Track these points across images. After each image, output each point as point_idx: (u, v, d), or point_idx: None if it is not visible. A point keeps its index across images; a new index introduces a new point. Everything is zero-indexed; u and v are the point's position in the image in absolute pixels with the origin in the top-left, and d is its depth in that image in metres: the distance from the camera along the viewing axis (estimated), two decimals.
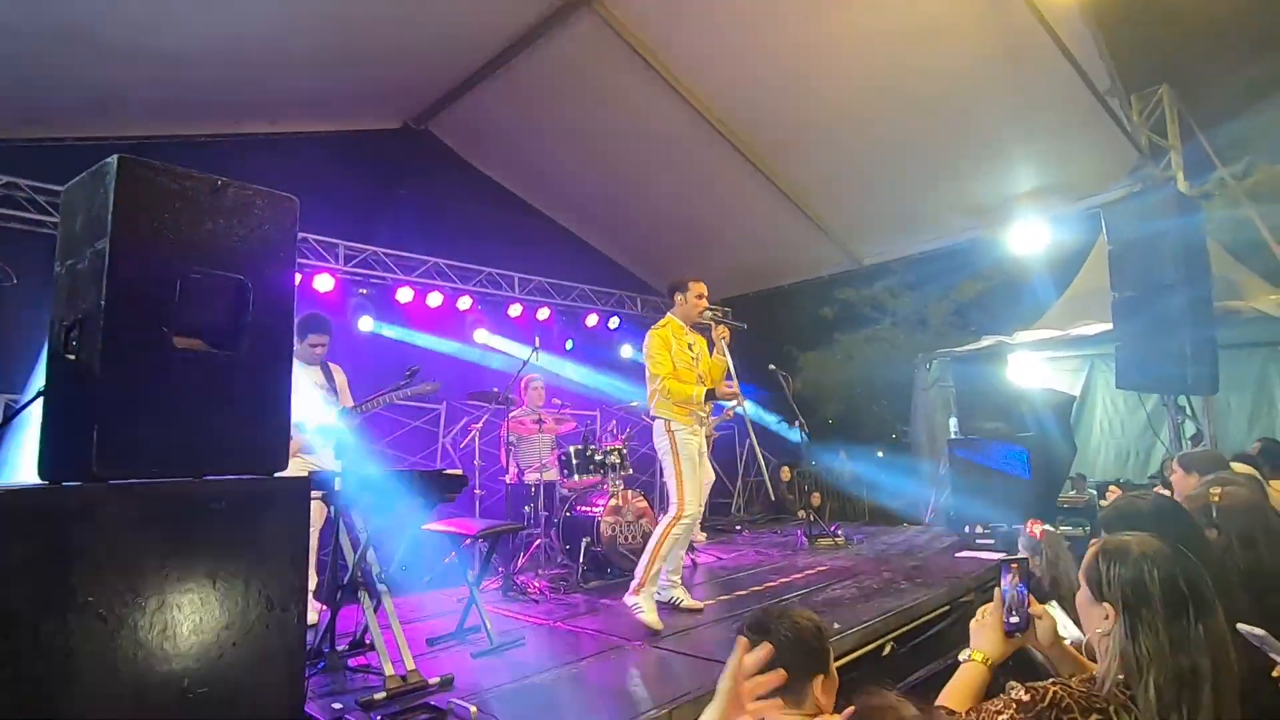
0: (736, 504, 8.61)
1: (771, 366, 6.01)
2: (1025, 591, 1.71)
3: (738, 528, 7.22)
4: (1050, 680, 1.25)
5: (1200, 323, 5.07)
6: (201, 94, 5.04)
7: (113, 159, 1.70)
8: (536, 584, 4.46)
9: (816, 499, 9.15)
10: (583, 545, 4.71)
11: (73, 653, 1.51)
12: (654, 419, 3.94)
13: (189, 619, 1.70)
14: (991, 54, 4.83)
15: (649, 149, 6.58)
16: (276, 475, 1.91)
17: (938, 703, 1.56)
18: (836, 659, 3.35)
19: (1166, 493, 2.94)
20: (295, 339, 3.96)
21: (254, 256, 1.88)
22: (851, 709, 0.94)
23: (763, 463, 4.66)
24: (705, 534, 6.61)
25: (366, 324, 6.11)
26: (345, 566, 3.06)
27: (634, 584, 3.70)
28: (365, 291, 6.23)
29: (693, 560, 5.37)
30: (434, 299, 6.48)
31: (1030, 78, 4.99)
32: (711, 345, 4.10)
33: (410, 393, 3.75)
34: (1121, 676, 1.20)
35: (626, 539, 4.84)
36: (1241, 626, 1.61)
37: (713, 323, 4.05)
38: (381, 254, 6.26)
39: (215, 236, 1.83)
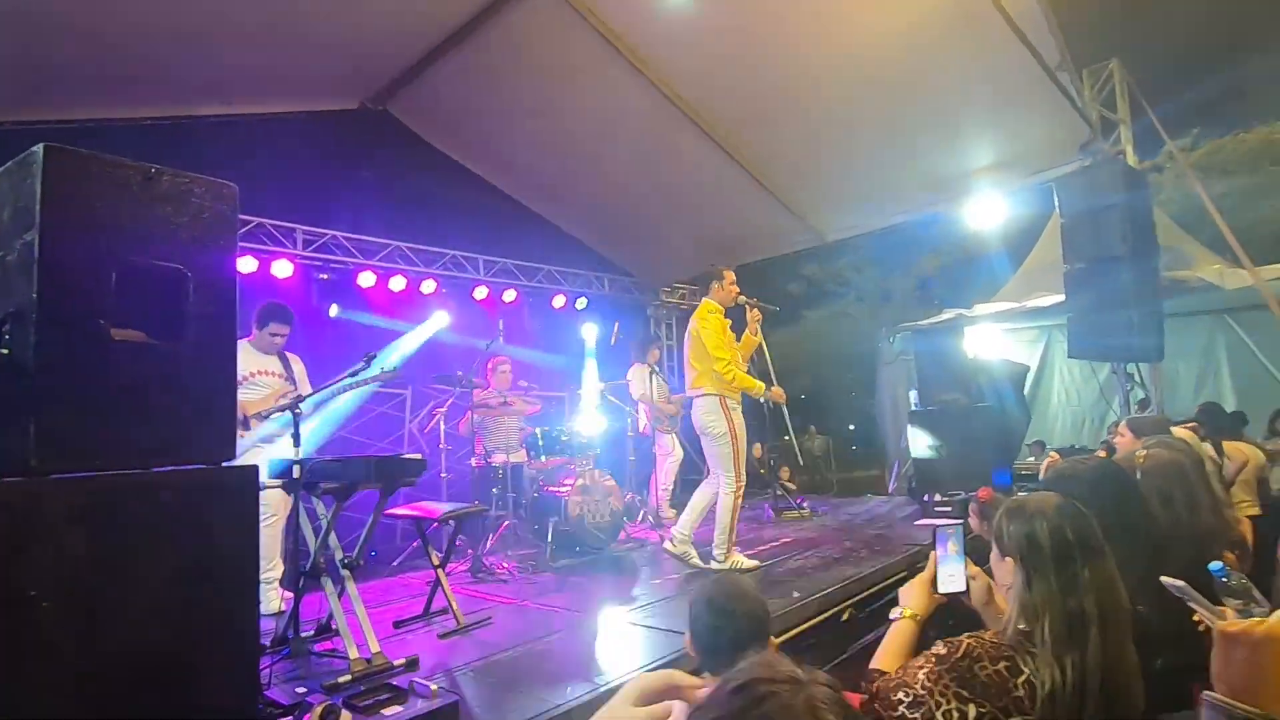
0: None
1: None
2: (962, 556, 1.80)
3: None
4: (966, 634, 1.33)
5: (1147, 293, 5.24)
6: (143, 74, 4.87)
7: (39, 147, 1.67)
8: (505, 565, 4.51)
9: (786, 473, 9.33)
10: (551, 525, 4.76)
11: (20, 647, 1.51)
12: (703, 395, 4.30)
13: (139, 611, 1.70)
14: (944, 29, 4.87)
15: (612, 127, 6.53)
16: (225, 465, 1.92)
17: (872, 665, 1.65)
18: (798, 624, 3.49)
19: (1102, 454, 3.07)
20: (255, 326, 3.95)
21: (193, 245, 1.86)
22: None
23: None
24: (675, 510, 6.71)
25: (334, 311, 6.04)
26: (308, 553, 3.08)
27: (720, 554, 4.20)
28: (326, 276, 6.14)
29: (661, 536, 5.46)
30: (397, 283, 6.41)
31: (983, 53, 5.04)
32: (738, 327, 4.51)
33: (369, 379, 3.74)
34: (1023, 625, 1.28)
35: (594, 517, 4.90)
36: (1164, 579, 1.71)
37: (748, 306, 4.48)
38: (342, 238, 6.16)
39: (151, 225, 1.80)
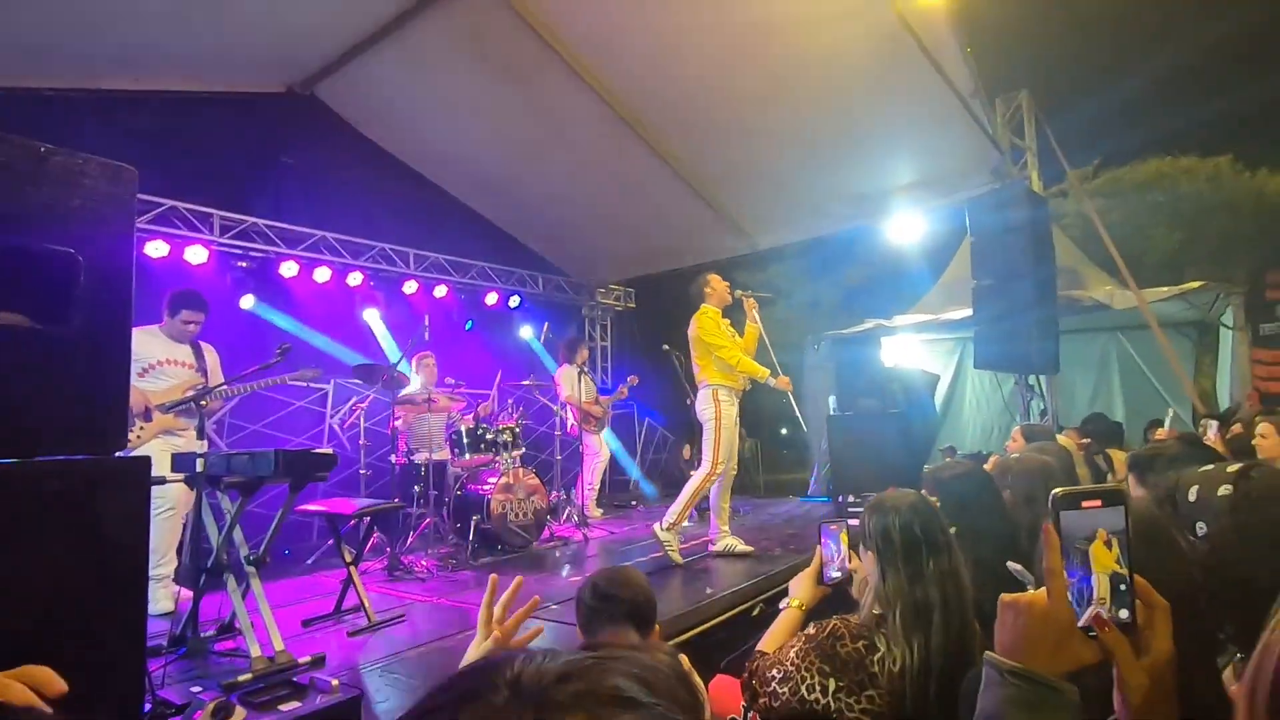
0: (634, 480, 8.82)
1: (665, 346, 6.16)
2: (844, 549, 1.93)
3: (633, 503, 7.43)
4: (834, 616, 1.44)
5: (1043, 310, 5.62)
6: (44, 39, 4.56)
7: None
8: (424, 563, 4.46)
9: None
10: (473, 523, 4.73)
11: None
12: (704, 387, 4.55)
13: (18, 608, 1.63)
14: (866, 55, 5.10)
15: (550, 127, 6.53)
16: (116, 456, 1.86)
17: (758, 648, 1.75)
18: (710, 619, 3.59)
19: (995, 459, 3.30)
20: (166, 313, 3.78)
21: (85, 228, 1.80)
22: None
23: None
24: (601, 509, 6.77)
25: (248, 302, 5.81)
26: (210, 550, 2.98)
27: (666, 523, 4.37)
28: (245, 264, 5.91)
29: (584, 535, 5.52)
30: (321, 274, 6.23)
31: (902, 79, 5.30)
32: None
33: (288, 379, 3.66)
34: (878, 610, 1.41)
35: (517, 516, 4.90)
36: (1010, 564, 1.89)
37: (744, 298, 4.77)
38: (262, 226, 5.94)
39: (39, 207, 1.73)
